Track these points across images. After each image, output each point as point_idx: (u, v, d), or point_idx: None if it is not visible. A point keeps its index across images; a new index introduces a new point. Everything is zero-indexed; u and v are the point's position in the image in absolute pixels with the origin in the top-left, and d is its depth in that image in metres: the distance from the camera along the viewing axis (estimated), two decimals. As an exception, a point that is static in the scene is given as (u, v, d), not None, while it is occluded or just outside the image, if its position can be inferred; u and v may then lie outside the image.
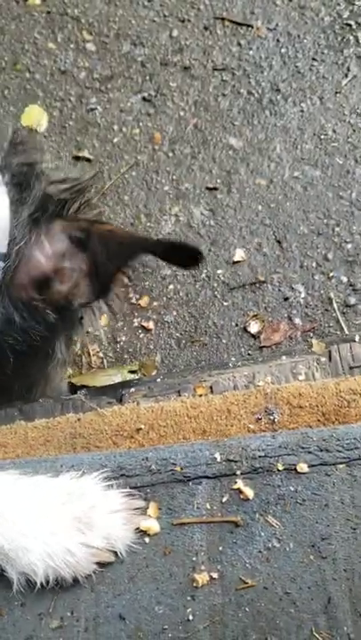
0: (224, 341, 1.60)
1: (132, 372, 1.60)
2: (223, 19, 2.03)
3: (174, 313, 1.67)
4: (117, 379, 1.55)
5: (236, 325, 1.60)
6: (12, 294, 1.00)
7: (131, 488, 1.00)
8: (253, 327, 1.57)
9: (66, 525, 0.93)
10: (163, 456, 1.01)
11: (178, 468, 1.00)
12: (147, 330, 1.67)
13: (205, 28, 2.04)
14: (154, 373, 1.61)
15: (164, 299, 1.69)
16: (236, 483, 0.97)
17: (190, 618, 0.92)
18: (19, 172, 1.01)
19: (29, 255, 0.99)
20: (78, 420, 1.13)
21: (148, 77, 2.01)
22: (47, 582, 0.94)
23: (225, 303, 1.64)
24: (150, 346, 1.66)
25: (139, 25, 2.09)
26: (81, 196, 1.05)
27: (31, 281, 1.01)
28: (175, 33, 2.05)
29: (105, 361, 1.66)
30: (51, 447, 1.11)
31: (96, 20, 2.13)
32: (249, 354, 1.55)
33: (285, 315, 1.57)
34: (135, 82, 2.01)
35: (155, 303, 1.69)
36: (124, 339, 1.66)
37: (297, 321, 1.56)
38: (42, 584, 0.94)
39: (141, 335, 1.67)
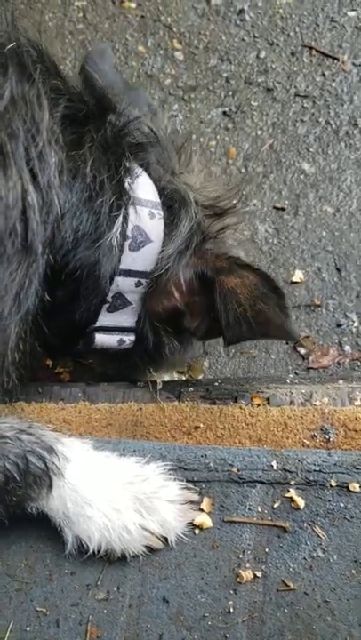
0: (273, 357, 1.65)
1: (179, 372, 1.66)
2: (311, 47, 2.10)
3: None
4: (166, 377, 1.61)
5: (287, 344, 1.66)
6: (149, 314, 1.08)
7: (187, 481, 1.06)
8: (303, 348, 1.63)
9: (127, 504, 0.99)
10: (221, 456, 1.07)
11: (234, 470, 1.06)
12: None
13: (292, 54, 2.11)
14: (200, 377, 1.66)
15: (219, 307, 1.75)
16: (288, 491, 1.03)
17: (231, 610, 0.97)
18: (172, 197, 1.04)
19: (165, 284, 1.04)
20: (140, 409, 1.20)
21: (230, 93, 2.08)
22: (97, 552, 1.00)
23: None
24: (200, 351, 1.72)
25: (228, 42, 2.17)
26: (222, 221, 1.08)
27: (164, 309, 1.08)
28: (263, 54, 2.12)
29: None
30: (112, 430, 1.17)
31: (187, 31, 2.21)
32: (296, 372, 1.61)
33: (336, 340, 1.63)
34: (218, 96, 2.08)
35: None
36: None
37: (347, 348, 1.61)
38: (92, 553, 1.00)
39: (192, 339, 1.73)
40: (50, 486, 0.96)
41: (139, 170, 1.00)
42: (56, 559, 1.04)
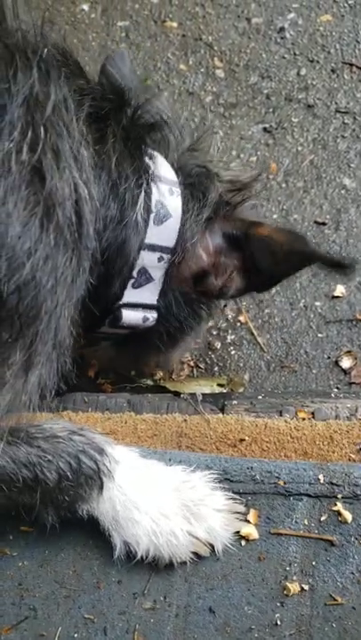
0: (314, 371, 1.65)
1: (220, 385, 1.67)
2: (352, 64, 2.11)
3: (267, 336, 1.73)
4: (206, 390, 1.62)
5: (328, 358, 1.66)
6: (173, 286, 1.11)
7: (233, 493, 1.07)
8: (345, 363, 1.62)
9: (175, 510, 1.00)
10: (267, 468, 1.08)
11: (281, 482, 1.06)
12: (239, 348, 1.74)
13: (333, 71, 2.13)
14: (241, 390, 1.67)
15: (260, 321, 1.76)
16: (336, 505, 1.03)
17: (278, 622, 0.97)
18: (194, 173, 1.10)
19: (193, 251, 1.08)
20: (185, 420, 1.21)
21: (271, 110, 2.10)
22: (144, 557, 1.01)
23: (319, 335, 1.70)
24: (240, 363, 1.72)
25: (269, 59, 2.19)
26: (242, 194, 1.14)
27: (191, 275, 1.12)
28: (303, 72, 2.14)
29: (195, 370, 1.74)
30: (157, 441, 1.18)
31: (228, 49, 2.24)
32: (338, 387, 1.60)
33: (378, 355, 1.62)
34: (258, 112, 2.10)
35: (250, 324, 1.75)
36: (216, 352, 1.74)
37: (389, 363, 1.60)
38: (139, 560, 1.02)
39: (233, 352, 1.74)
40: (101, 487, 0.98)
41: (155, 152, 1.06)
42: (103, 567, 1.05)
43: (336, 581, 0.98)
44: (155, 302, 1.12)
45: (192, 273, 1.12)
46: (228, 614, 0.99)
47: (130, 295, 1.08)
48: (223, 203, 1.12)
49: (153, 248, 1.05)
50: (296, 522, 1.03)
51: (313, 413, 1.20)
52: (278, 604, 0.99)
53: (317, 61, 2.15)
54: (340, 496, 1.03)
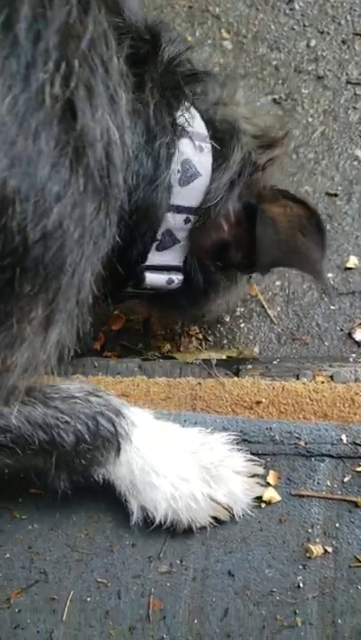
0: (326, 344, 1.61)
1: (229, 357, 1.63)
2: (363, 36, 2.07)
3: (278, 309, 1.69)
4: (217, 356, 1.57)
5: (341, 330, 1.62)
6: (193, 252, 1.05)
7: (252, 454, 1.03)
8: (358, 335, 1.58)
9: (194, 473, 0.96)
10: (287, 429, 1.04)
11: (302, 443, 1.02)
12: (248, 320, 1.70)
13: (343, 42, 2.08)
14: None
15: (270, 293, 1.72)
16: (360, 465, 0.99)
17: (300, 585, 0.94)
18: (221, 128, 1.02)
19: (215, 217, 1.02)
20: (199, 383, 1.17)
21: (280, 81, 2.05)
22: (163, 523, 0.97)
23: (332, 307, 1.65)
24: (250, 336, 1.68)
25: (277, 31, 2.15)
26: (271, 153, 1.06)
27: (212, 243, 1.06)
28: (313, 43, 2.09)
29: (203, 343, 1.69)
30: (171, 403, 1.14)
31: (236, 21, 2.19)
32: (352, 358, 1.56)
33: (393, 327, 1.58)
34: (267, 84, 2.05)
35: (260, 296, 1.71)
36: (225, 325, 1.69)
37: None
38: (153, 525, 0.97)
39: (242, 325, 1.70)
40: (118, 450, 0.94)
41: (187, 103, 0.99)
42: (116, 530, 1.01)
43: (361, 543, 0.95)
44: (180, 264, 1.07)
45: (213, 243, 1.06)
46: (248, 577, 0.95)
47: (154, 257, 1.03)
48: (250, 163, 1.04)
49: (178, 209, 1.00)
50: (318, 483, 0.99)
51: (331, 377, 1.16)
52: (300, 567, 0.95)
53: (328, 32, 2.10)
54: (363, 456, 1.00)
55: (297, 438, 1.03)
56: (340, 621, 0.91)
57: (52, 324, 0.81)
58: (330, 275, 1.70)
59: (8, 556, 1.01)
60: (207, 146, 0.99)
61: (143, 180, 0.92)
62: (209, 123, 1.01)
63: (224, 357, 1.61)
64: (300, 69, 2.07)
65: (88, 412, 0.93)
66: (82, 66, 0.73)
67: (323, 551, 0.95)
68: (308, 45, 2.10)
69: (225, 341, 1.70)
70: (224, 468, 0.97)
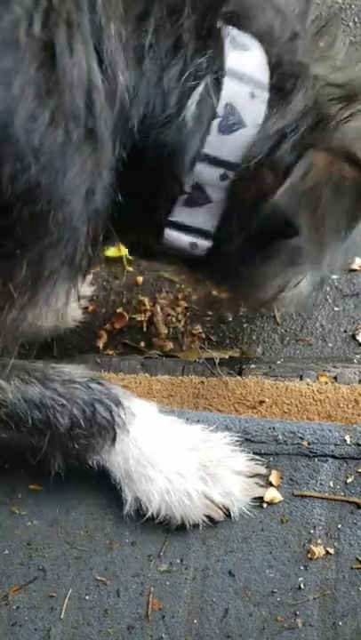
0: (330, 345, 1.60)
1: (232, 357, 1.62)
2: (371, 38, 2.06)
3: (282, 309, 1.68)
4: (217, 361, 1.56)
5: (345, 332, 1.61)
6: (229, 215, 0.91)
7: (254, 454, 1.02)
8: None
9: (192, 470, 0.96)
10: (290, 429, 1.03)
11: (305, 443, 1.01)
12: (252, 320, 1.69)
13: (351, 44, 2.08)
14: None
15: (274, 294, 1.71)
16: (363, 467, 0.98)
17: (301, 586, 0.93)
18: (290, 71, 0.85)
19: (258, 172, 0.87)
20: (202, 382, 1.16)
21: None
22: (156, 516, 0.96)
23: (336, 308, 1.65)
24: (253, 336, 1.67)
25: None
26: (351, 104, 0.87)
27: (252, 199, 0.89)
28: (321, 44, 2.09)
29: (206, 343, 1.69)
30: (174, 402, 1.14)
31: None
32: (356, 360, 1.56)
33: None
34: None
35: (264, 296, 1.70)
36: (227, 325, 1.69)
37: None
38: (154, 522, 0.97)
39: (245, 325, 1.69)
40: (113, 439, 0.94)
41: (250, 41, 0.84)
42: (116, 528, 1.00)
43: (363, 545, 0.94)
44: (210, 229, 0.92)
45: (252, 198, 0.89)
46: (249, 578, 0.94)
47: (181, 214, 0.90)
48: (316, 114, 0.85)
49: (214, 161, 0.86)
50: (321, 484, 0.98)
51: (335, 378, 1.15)
52: (302, 568, 0.94)
53: (336, 35, 2.10)
54: (367, 458, 0.99)
55: (300, 438, 1.02)
56: (340, 623, 0.90)
57: (38, 285, 0.77)
58: (334, 276, 1.69)
59: (6, 552, 1.00)
60: (262, 95, 0.84)
61: (156, 121, 0.80)
62: (276, 67, 0.85)
63: (227, 357, 1.61)
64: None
65: (86, 399, 0.92)
66: (65, 0, 0.65)
67: (324, 552, 0.94)
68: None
69: (227, 341, 1.69)
70: (223, 467, 0.97)
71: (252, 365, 1.23)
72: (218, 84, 0.81)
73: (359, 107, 0.87)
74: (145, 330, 1.63)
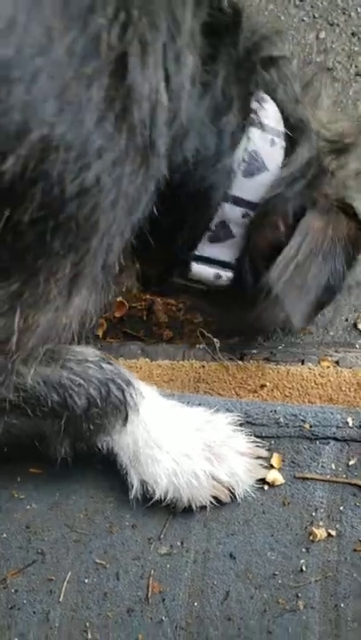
0: (331, 334, 1.59)
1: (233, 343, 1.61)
2: (374, 35, 2.05)
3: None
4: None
5: (346, 320, 1.60)
6: (247, 251, 0.99)
7: (255, 436, 1.01)
8: (363, 324, 1.57)
9: (197, 451, 0.95)
10: (292, 412, 1.02)
11: (307, 426, 1.00)
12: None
13: (353, 35, 2.07)
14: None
15: (275, 283, 1.70)
16: (365, 449, 0.97)
17: (303, 569, 0.92)
18: (294, 124, 0.95)
19: (272, 215, 0.95)
20: (202, 366, 1.15)
21: (289, 72, 2.04)
22: (163, 499, 0.95)
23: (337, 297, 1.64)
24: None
25: (287, 22, 2.13)
26: (341, 157, 0.98)
27: (267, 243, 0.98)
28: (322, 35, 2.08)
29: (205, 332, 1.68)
30: (174, 386, 1.13)
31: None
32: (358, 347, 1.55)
33: None
34: (276, 74, 2.04)
35: (265, 285, 1.70)
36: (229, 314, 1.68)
37: None
38: (155, 504, 0.96)
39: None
40: (125, 419, 0.93)
41: (265, 95, 0.93)
42: (117, 511, 0.99)
43: (365, 527, 0.93)
44: (232, 261, 1.00)
45: (267, 243, 0.98)
46: (250, 560, 0.94)
47: (205, 249, 0.98)
48: (317, 165, 0.96)
49: (238, 202, 0.94)
50: (323, 466, 0.97)
51: (337, 362, 1.14)
52: (304, 550, 0.93)
53: (337, 25, 2.09)
54: (369, 440, 0.98)
55: (302, 421, 1.01)
56: (342, 605, 0.89)
57: (76, 287, 0.78)
58: (336, 265, 1.68)
59: (5, 535, 1.00)
60: (280, 142, 0.94)
61: (205, 159, 0.87)
62: (287, 119, 0.95)
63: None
64: (309, 61, 2.05)
65: (101, 378, 0.91)
66: (141, 18, 0.69)
67: (326, 534, 0.93)
68: (317, 37, 2.09)
69: (227, 331, 1.68)
70: (227, 447, 0.96)
71: (254, 351, 1.22)
72: (250, 133, 0.90)
73: (350, 159, 0.99)
74: (145, 319, 1.62)
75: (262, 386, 1.11)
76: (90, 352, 0.94)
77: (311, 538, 0.93)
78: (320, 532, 0.93)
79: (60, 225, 0.70)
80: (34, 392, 0.87)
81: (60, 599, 0.95)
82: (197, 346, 1.25)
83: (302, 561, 0.92)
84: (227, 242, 0.97)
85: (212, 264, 0.99)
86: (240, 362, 1.18)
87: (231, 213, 0.94)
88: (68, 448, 0.93)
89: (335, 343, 1.28)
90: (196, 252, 0.97)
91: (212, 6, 0.83)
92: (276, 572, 0.92)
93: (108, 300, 0.90)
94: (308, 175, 0.94)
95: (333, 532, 0.93)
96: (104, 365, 0.93)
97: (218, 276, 1.01)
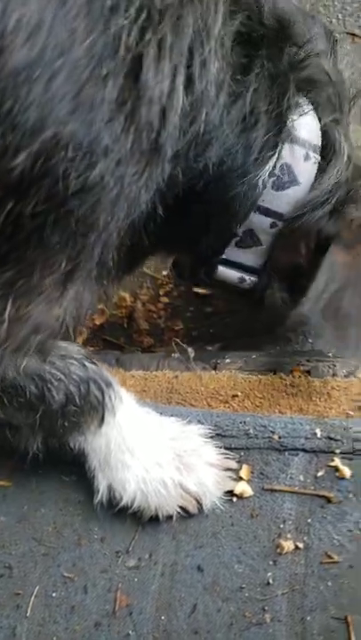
0: (310, 341, 1.60)
1: (207, 352, 1.61)
2: (354, 34, 2.06)
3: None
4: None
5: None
6: (271, 262, 1.01)
7: (225, 448, 1.01)
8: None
9: (168, 460, 0.95)
10: (261, 423, 1.02)
11: (276, 437, 1.00)
12: (233, 315, 1.69)
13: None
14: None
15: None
16: (333, 460, 0.97)
17: (270, 581, 0.92)
18: (330, 143, 0.95)
19: (297, 235, 0.97)
20: (176, 377, 1.15)
21: (270, 78, 2.04)
22: (129, 505, 0.95)
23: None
24: (233, 332, 1.67)
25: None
26: None
27: (287, 263, 1.02)
28: None
29: (185, 339, 1.68)
30: (147, 397, 1.12)
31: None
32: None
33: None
34: (257, 80, 2.05)
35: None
36: (210, 319, 1.68)
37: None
38: (124, 517, 0.96)
39: (227, 320, 1.69)
40: (101, 420, 0.93)
41: (307, 107, 0.93)
42: (85, 524, 0.99)
43: (333, 539, 0.93)
44: (258, 266, 1.03)
45: (287, 263, 1.02)
46: (218, 573, 0.93)
47: (232, 253, 1.00)
48: (344, 188, 0.97)
49: (267, 212, 0.95)
50: (291, 478, 0.97)
51: (309, 372, 1.14)
52: (271, 563, 0.93)
53: None
54: (338, 451, 0.98)
55: (271, 432, 1.01)
56: (308, 618, 0.89)
57: (71, 281, 0.79)
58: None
59: (-27, 549, 0.99)
60: (316, 157, 0.94)
61: (231, 172, 0.88)
62: (323, 135, 0.95)
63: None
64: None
65: (82, 376, 0.91)
66: (163, 20, 0.69)
67: (294, 547, 0.93)
68: None
69: (208, 337, 1.68)
70: (197, 457, 0.96)
71: (227, 360, 1.22)
72: (281, 147, 0.91)
73: None
74: (125, 326, 1.62)
75: (234, 396, 1.11)
76: (74, 349, 0.93)
77: (279, 550, 0.93)
78: (288, 545, 0.92)
79: (60, 219, 0.70)
80: (13, 381, 0.86)
81: (28, 614, 0.94)
82: (173, 355, 1.25)
83: (269, 574, 0.92)
84: (254, 248, 0.99)
85: (237, 268, 1.02)
86: (213, 371, 1.18)
87: (259, 223, 0.96)
88: (41, 443, 0.92)
89: (308, 352, 1.28)
90: (224, 256, 1.00)
91: (250, 17, 0.83)
92: (244, 585, 0.92)
93: (104, 294, 0.92)
94: (334, 199, 0.95)
95: (301, 545, 0.93)
96: (87, 364, 0.93)
97: (242, 280, 1.04)
